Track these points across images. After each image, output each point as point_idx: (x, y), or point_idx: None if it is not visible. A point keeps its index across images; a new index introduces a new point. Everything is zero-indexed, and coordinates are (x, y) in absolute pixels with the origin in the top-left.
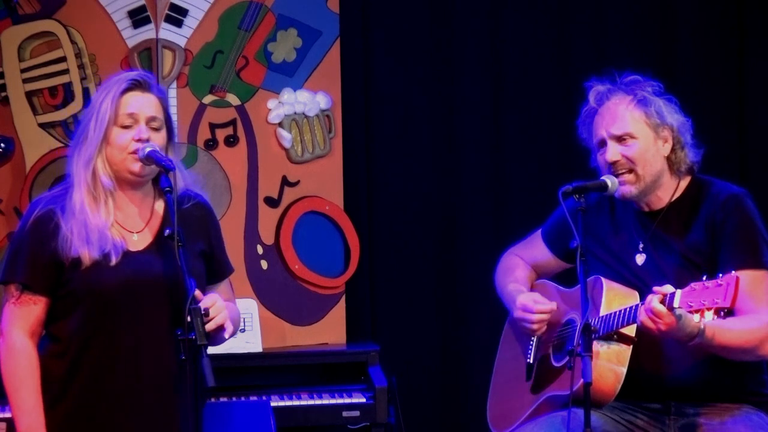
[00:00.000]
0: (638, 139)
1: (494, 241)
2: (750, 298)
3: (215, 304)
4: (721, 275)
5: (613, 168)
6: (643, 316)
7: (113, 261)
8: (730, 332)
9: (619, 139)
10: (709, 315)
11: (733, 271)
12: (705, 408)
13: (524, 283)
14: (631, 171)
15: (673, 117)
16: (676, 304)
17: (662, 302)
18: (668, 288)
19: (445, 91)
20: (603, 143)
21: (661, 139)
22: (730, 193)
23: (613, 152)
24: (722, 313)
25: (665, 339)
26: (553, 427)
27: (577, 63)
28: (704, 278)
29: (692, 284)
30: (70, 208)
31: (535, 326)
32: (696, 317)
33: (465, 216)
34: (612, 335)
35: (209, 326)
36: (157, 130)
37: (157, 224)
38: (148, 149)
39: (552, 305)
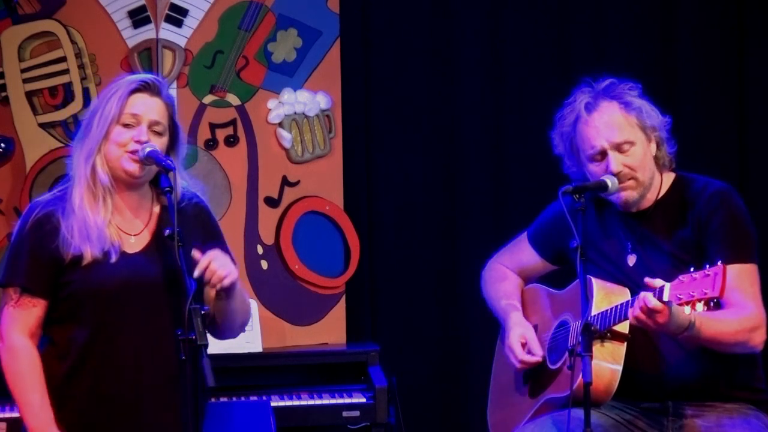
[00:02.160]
0: (636, 144)
1: (494, 241)
2: (738, 291)
3: (214, 258)
4: (708, 266)
5: (616, 178)
6: (637, 312)
7: (113, 259)
8: (718, 324)
9: (619, 148)
10: (699, 306)
11: (720, 262)
12: (703, 408)
13: (515, 296)
14: (632, 178)
15: (657, 117)
16: (665, 297)
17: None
18: (658, 282)
19: (445, 91)
20: (602, 154)
21: (649, 140)
22: (715, 189)
23: (616, 163)
24: (712, 304)
25: (659, 336)
26: (553, 428)
27: (577, 63)
28: (692, 270)
29: (680, 276)
30: (70, 206)
31: (518, 365)
32: (687, 309)
33: (465, 216)
34: (606, 333)
35: (225, 282)
36: (159, 134)
37: (154, 226)
38: (148, 149)
39: (538, 357)
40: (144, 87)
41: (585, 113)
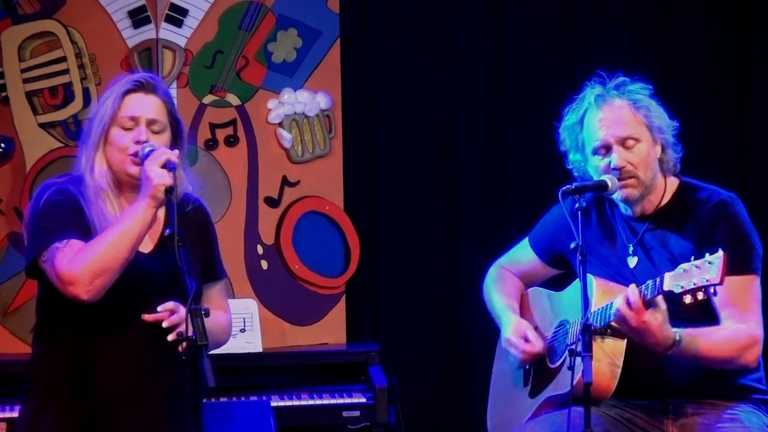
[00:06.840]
0: (641, 142)
1: (494, 241)
2: (735, 306)
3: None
4: (708, 254)
5: (618, 174)
6: (621, 304)
7: None
8: (707, 343)
9: (624, 144)
10: (700, 295)
11: (720, 249)
12: (703, 407)
13: (514, 297)
14: (633, 177)
15: (665, 120)
16: (665, 287)
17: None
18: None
19: (445, 90)
20: (606, 148)
21: (655, 141)
22: (719, 199)
23: (620, 158)
24: (713, 290)
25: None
26: (554, 425)
27: (577, 63)
28: (692, 258)
29: (681, 265)
30: (87, 198)
31: (521, 356)
32: (674, 331)
33: (465, 216)
34: (605, 329)
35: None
36: (158, 133)
37: (159, 228)
38: (147, 149)
39: (538, 347)
40: (138, 87)
41: (594, 106)
